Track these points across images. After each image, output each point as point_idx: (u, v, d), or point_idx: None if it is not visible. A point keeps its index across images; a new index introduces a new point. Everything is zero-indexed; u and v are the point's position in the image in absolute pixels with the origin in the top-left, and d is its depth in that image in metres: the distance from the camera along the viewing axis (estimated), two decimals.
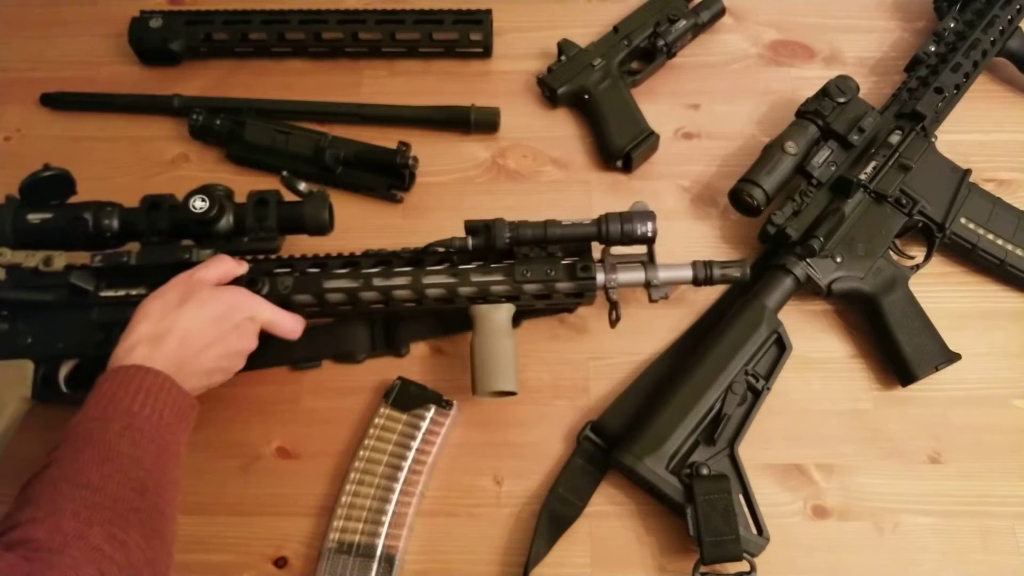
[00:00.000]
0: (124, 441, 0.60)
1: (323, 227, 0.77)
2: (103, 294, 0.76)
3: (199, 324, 0.68)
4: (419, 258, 0.79)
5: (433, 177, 0.94)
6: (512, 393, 0.76)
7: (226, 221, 0.75)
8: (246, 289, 0.74)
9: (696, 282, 0.78)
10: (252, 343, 0.73)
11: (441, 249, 0.78)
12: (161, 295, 0.70)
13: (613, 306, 0.78)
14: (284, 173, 0.79)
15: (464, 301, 0.78)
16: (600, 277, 0.77)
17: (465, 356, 0.84)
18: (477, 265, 0.78)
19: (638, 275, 0.78)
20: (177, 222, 0.75)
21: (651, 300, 0.78)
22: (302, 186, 0.78)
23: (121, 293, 0.76)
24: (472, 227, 0.77)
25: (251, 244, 0.76)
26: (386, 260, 0.79)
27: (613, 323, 0.79)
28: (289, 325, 0.75)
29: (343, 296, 0.77)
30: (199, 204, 0.74)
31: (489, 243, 0.76)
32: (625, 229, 0.76)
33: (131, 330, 0.67)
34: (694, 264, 0.78)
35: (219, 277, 0.73)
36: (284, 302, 0.76)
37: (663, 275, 0.78)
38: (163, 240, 0.76)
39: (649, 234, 0.77)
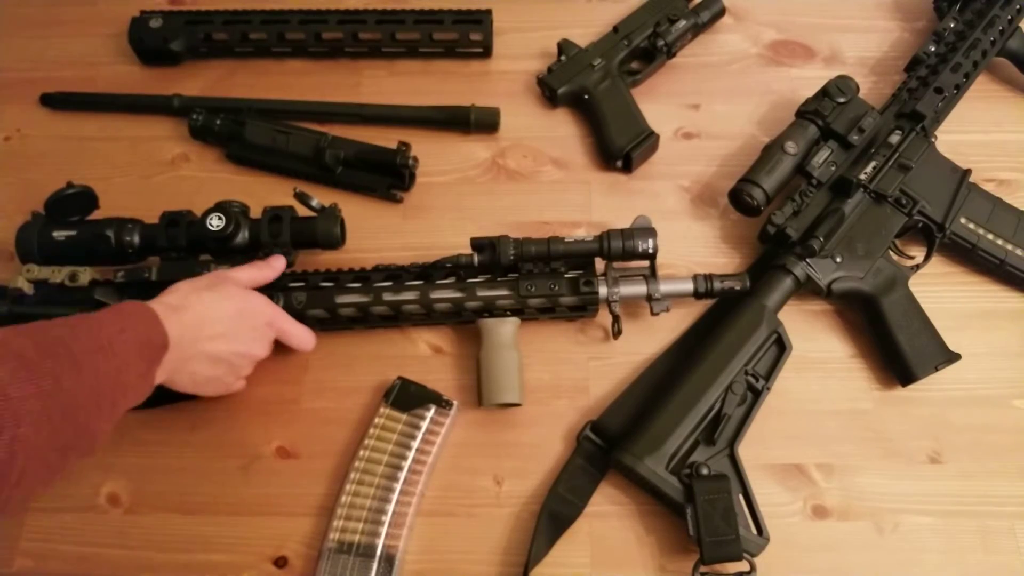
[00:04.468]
0: (61, 327, 0.58)
1: (335, 242, 0.81)
2: None
3: (219, 312, 0.71)
4: (427, 273, 0.81)
5: (433, 177, 0.94)
6: (517, 404, 0.79)
7: (242, 237, 0.79)
8: (268, 299, 0.77)
9: (697, 295, 0.81)
10: (264, 349, 0.76)
11: (449, 265, 0.80)
12: (193, 280, 0.73)
13: (615, 319, 0.80)
14: (297, 189, 0.81)
15: (471, 315, 0.80)
16: (603, 291, 0.79)
17: (466, 356, 0.84)
18: (483, 279, 0.80)
19: (640, 288, 0.80)
20: (195, 238, 0.79)
21: (653, 313, 0.80)
22: (315, 202, 0.81)
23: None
24: (478, 244, 0.79)
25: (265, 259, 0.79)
26: (395, 275, 0.81)
27: (615, 335, 0.81)
28: (303, 337, 0.79)
29: (354, 310, 0.80)
30: (216, 222, 0.77)
31: (494, 259, 0.79)
32: (627, 245, 0.79)
33: (156, 298, 0.69)
34: (695, 278, 0.80)
35: (250, 280, 0.76)
36: (298, 316, 0.79)
37: (664, 288, 0.80)
38: (182, 255, 0.80)
39: (650, 250, 0.79)
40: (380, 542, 0.73)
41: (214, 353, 0.71)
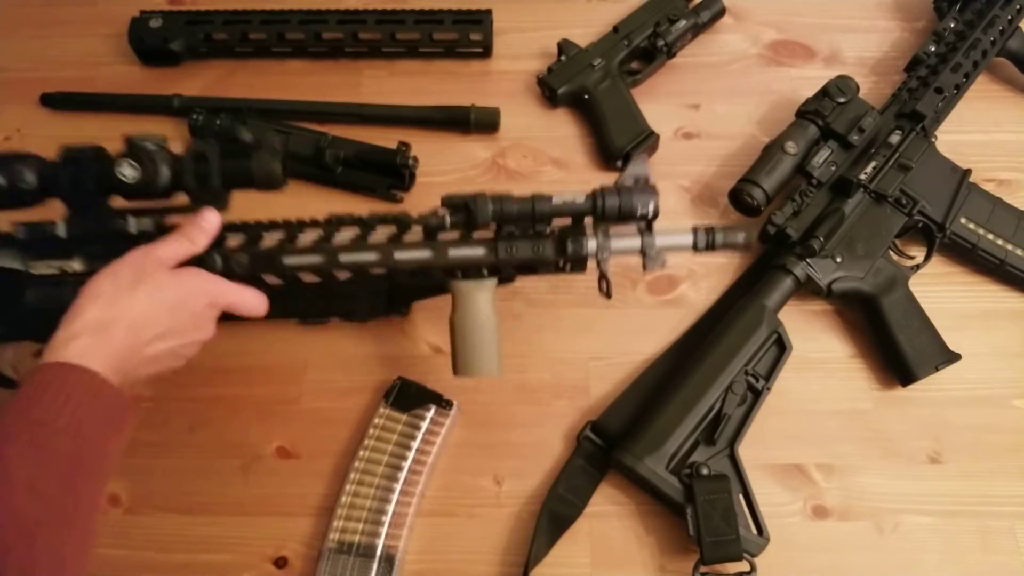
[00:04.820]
0: (25, 463, 0.52)
1: (275, 181, 0.68)
2: (36, 271, 0.67)
3: (152, 311, 0.62)
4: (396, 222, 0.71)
5: (433, 177, 0.94)
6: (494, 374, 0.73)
7: (163, 179, 0.65)
8: (205, 271, 0.66)
9: (696, 248, 0.71)
10: (209, 331, 0.68)
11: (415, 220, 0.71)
12: (114, 274, 0.62)
13: (603, 276, 0.72)
14: (220, 119, 0.69)
15: (442, 276, 0.72)
16: (592, 245, 0.70)
17: None
18: (457, 236, 0.71)
19: (633, 243, 0.71)
20: (104, 183, 0.66)
21: (645, 269, 0.71)
22: (246, 135, 0.68)
23: (55, 269, 0.68)
24: (451, 202, 0.70)
25: (193, 207, 0.68)
26: (354, 225, 0.71)
27: (607, 294, 0.73)
28: (253, 304, 0.69)
29: (307, 273, 0.71)
30: (129, 172, 0.64)
31: (470, 220, 0.69)
32: (623, 207, 0.68)
33: (77, 314, 0.60)
34: (694, 230, 0.71)
35: (179, 256, 0.66)
36: (240, 281, 0.69)
37: (660, 242, 0.71)
38: (91, 201, 0.67)
39: (650, 215, 0.69)
40: (380, 542, 0.73)
41: (156, 355, 0.64)
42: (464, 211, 0.69)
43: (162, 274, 0.63)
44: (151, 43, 0.99)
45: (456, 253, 0.71)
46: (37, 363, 0.57)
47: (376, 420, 0.78)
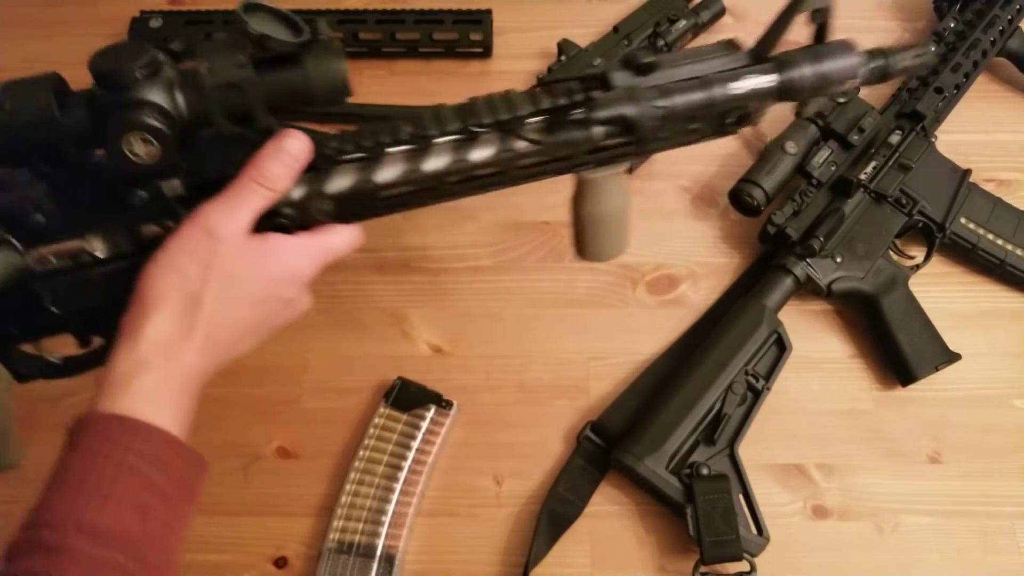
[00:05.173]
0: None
1: (340, 90, 0.50)
2: (40, 266, 0.50)
3: (232, 314, 0.50)
4: (508, 121, 0.54)
5: None
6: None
7: (180, 122, 0.46)
8: (290, 240, 0.52)
9: (867, 83, 0.60)
10: (305, 305, 0.56)
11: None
12: (176, 269, 0.48)
13: (745, 122, 0.60)
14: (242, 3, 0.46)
15: (567, 169, 0.58)
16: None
17: (467, 356, 0.84)
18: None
19: None
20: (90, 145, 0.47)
21: (798, 115, 0.63)
22: (281, 29, 0.47)
23: (67, 261, 0.51)
24: (609, 119, 0.53)
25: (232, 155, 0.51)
26: (460, 130, 0.54)
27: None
28: (351, 245, 0.56)
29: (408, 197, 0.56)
30: (143, 151, 0.45)
31: (629, 132, 0.55)
32: (817, 84, 0.57)
33: (139, 328, 0.47)
34: (869, 54, 0.59)
35: (254, 219, 0.50)
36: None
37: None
38: (77, 169, 0.47)
39: (855, 79, 0.58)
40: (380, 542, 0.73)
41: (241, 353, 0.53)
42: (621, 124, 0.54)
43: (238, 260, 0.49)
44: (151, 43, 0.98)
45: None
46: (88, 412, 0.46)
47: (376, 420, 0.78)
